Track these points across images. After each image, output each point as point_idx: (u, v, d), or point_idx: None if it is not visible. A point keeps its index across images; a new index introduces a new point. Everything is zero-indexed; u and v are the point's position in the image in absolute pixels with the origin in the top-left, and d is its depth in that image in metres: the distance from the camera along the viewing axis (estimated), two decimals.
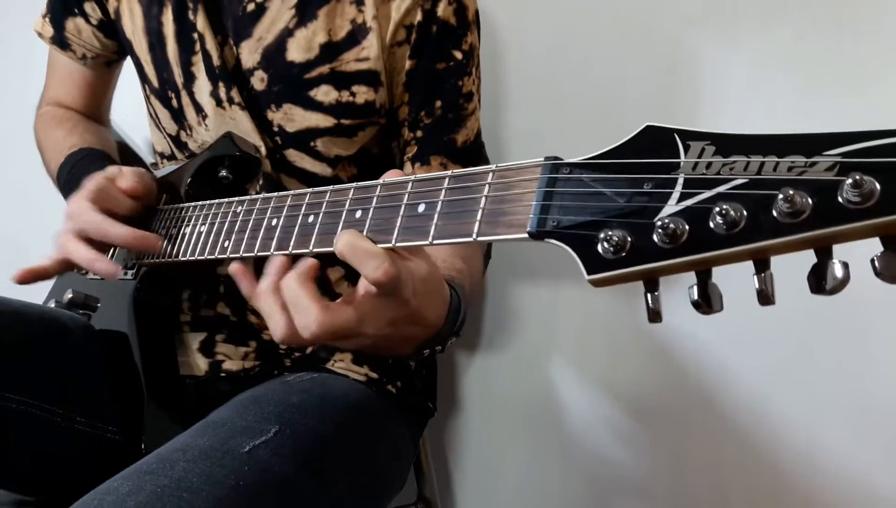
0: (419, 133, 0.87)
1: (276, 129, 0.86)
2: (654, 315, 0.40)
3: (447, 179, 0.51)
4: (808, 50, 0.96)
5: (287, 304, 0.55)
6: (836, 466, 0.97)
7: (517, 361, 1.19)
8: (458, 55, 0.86)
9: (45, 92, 1.08)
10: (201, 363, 0.89)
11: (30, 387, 0.78)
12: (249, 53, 0.85)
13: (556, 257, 1.12)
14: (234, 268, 0.60)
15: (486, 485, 1.25)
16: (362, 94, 0.84)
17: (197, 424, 0.72)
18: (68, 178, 0.91)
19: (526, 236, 0.44)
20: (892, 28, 0.90)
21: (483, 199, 0.48)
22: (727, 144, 0.39)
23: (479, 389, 1.24)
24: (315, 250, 0.59)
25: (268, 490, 0.63)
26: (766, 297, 0.38)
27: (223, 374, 0.89)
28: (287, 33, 0.84)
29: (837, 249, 0.37)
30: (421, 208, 0.52)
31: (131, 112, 1.08)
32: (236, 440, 0.66)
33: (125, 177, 0.79)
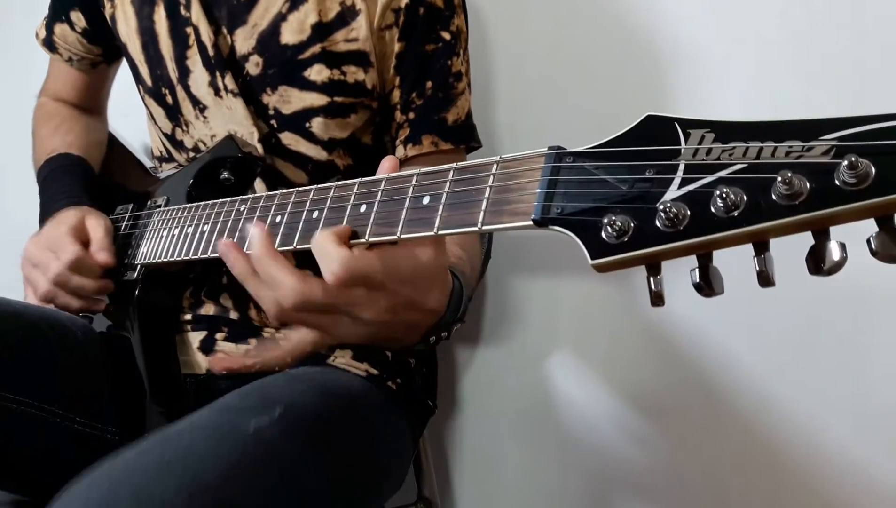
0: (411, 115, 0.89)
1: (271, 112, 0.88)
2: (657, 298, 0.41)
3: (451, 172, 0.52)
4: (808, 50, 0.96)
5: (265, 282, 0.57)
6: (837, 465, 0.97)
7: (518, 359, 1.19)
8: (447, 36, 0.88)
9: (45, 82, 1.14)
10: (201, 362, 0.89)
11: (29, 387, 0.78)
12: (244, 40, 0.87)
13: (557, 255, 1.14)
14: (221, 246, 0.62)
15: (486, 484, 1.24)
16: (352, 73, 0.87)
17: (200, 409, 0.72)
18: (42, 186, 1.00)
19: (530, 223, 0.45)
20: (893, 29, 0.91)
21: (487, 189, 0.49)
22: (726, 130, 0.40)
23: (479, 388, 1.24)
24: None
25: (272, 467, 0.63)
26: (765, 279, 0.39)
27: (223, 372, 0.89)
28: (280, 18, 0.86)
29: (836, 232, 0.38)
30: (426, 200, 0.53)
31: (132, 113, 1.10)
32: (241, 418, 0.66)
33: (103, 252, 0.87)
